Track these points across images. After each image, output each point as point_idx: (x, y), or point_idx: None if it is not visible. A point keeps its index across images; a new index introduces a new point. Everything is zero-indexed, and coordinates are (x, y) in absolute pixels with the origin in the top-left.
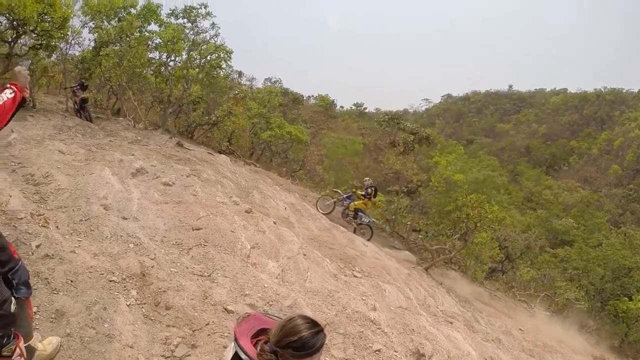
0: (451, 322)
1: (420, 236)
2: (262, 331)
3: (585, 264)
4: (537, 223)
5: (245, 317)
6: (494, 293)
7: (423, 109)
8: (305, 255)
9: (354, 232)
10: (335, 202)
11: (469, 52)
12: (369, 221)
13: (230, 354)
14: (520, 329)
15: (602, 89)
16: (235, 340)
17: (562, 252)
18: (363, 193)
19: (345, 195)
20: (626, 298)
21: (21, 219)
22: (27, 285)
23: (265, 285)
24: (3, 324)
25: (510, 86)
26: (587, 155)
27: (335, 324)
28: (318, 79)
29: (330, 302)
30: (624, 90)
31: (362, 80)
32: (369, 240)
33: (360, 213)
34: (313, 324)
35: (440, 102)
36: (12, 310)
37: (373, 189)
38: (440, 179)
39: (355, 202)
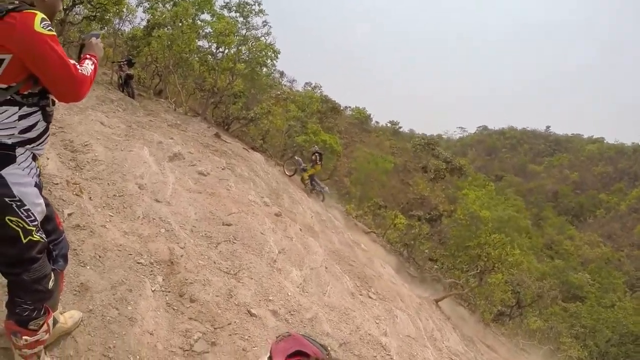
0: None
1: (435, 266)
2: (298, 353)
3: (594, 323)
4: (552, 273)
5: (285, 337)
6: (498, 337)
7: (457, 137)
8: (326, 268)
9: (308, 194)
10: (295, 169)
11: (509, 86)
12: (323, 189)
13: None
14: None
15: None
16: (270, 357)
17: (573, 307)
18: (312, 159)
19: (303, 165)
20: None
21: (57, 184)
22: (65, 258)
23: (289, 294)
24: (38, 298)
25: (548, 127)
26: (615, 210)
27: (350, 344)
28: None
29: (345, 320)
30: None
31: (399, 97)
32: (322, 201)
33: (315, 180)
34: None
35: (475, 132)
36: (49, 287)
37: (318, 154)
38: (465, 212)
39: (308, 171)
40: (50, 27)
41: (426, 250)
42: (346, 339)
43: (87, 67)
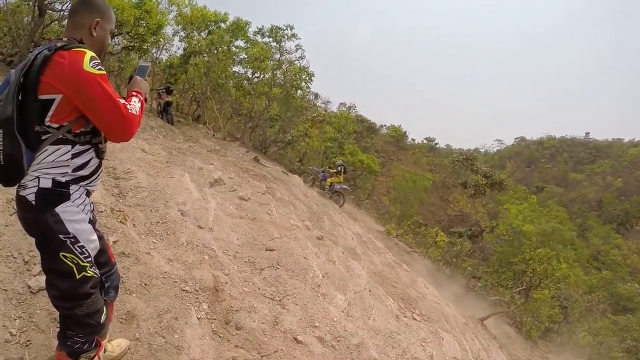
0: None
1: (479, 284)
2: None
3: None
4: (600, 285)
5: None
6: (546, 355)
7: (495, 149)
8: (370, 291)
9: (330, 198)
10: (313, 178)
11: (545, 94)
12: (340, 187)
13: None
14: None
15: None
16: None
17: (624, 320)
18: (335, 170)
19: (320, 170)
20: None
21: (101, 211)
22: (117, 289)
23: (334, 319)
24: (90, 332)
25: (587, 133)
26: None
27: None
28: (389, 105)
29: (391, 344)
30: None
31: (435, 113)
32: (341, 206)
33: (334, 185)
34: None
35: (512, 144)
36: (101, 321)
37: (342, 167)
38: (508, 227)
39: (330, 179)
40: (100, 66)
41: (469, 268)
42: None
43: (135, 105)
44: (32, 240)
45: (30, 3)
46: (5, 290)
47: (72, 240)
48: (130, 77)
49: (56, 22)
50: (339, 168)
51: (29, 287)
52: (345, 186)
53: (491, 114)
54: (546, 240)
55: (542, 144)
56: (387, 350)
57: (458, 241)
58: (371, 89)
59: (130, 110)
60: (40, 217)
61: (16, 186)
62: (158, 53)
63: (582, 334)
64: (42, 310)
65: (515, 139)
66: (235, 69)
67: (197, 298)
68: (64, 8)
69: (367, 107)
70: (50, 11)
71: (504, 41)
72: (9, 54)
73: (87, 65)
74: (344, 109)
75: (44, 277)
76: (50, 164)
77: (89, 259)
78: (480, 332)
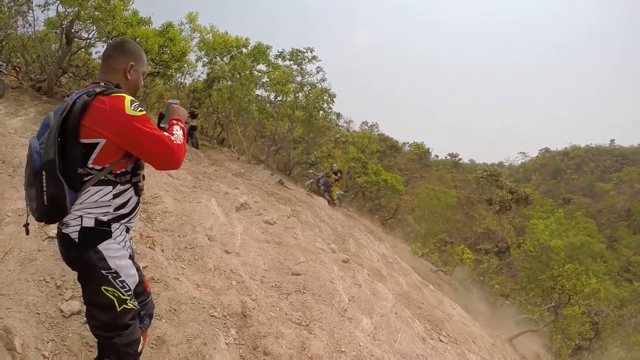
0: None
1: (507, 302)
2: None
3: None
4: (633, 297)
5: None
6: None
7: (519, 162)
8: (396, 313)
9: (328, 203)
10: (312, 183)
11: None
12: (340, 193)
13: None
14: None
15: None
16: None
17: None
18: (336, 177)
19: (319, 176)
20: None
21: (131, 238)
22: (151, 317)
23: (361, 344)
24: None
25: (612, 141)
26: None
27: None
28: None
29: None
30: None
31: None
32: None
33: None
34: None
35: (537, 156)
36: (138, 350)
37: (340, 173)
38: (535, 243)
39: (334, 187)
40: (140, 108)
41: (496, 286)
42: None
43: (178, 134)
44: (65, 265)
45: (58, 31)
46: (38, 313)
47: (114, 275)
48: (161, 115)
49: (82, 49)
50: (339, 175)
51: (62, 310)
52: (343, 192)
53: (512, 127)
54: (575, 254)
55: (567, 155)
56: None
57: (485, 258)
58: (387, 109)
59: (174, 141)
60: (83, 254)
61: (57, 223)
62: (182, 78)
63: (615, 349)
64: (74, 334)
65: (540, 150)
66: (258, 92)
67: (225, 323)
68: (90, 36)
69: (387, 126)
70: (77, 39)
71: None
72: (38, 79)
73: (129, 110)
74: (366, 127)
75: (76, 302)
76: (93, 204)
77: (129, 292)
78: (509, 352)
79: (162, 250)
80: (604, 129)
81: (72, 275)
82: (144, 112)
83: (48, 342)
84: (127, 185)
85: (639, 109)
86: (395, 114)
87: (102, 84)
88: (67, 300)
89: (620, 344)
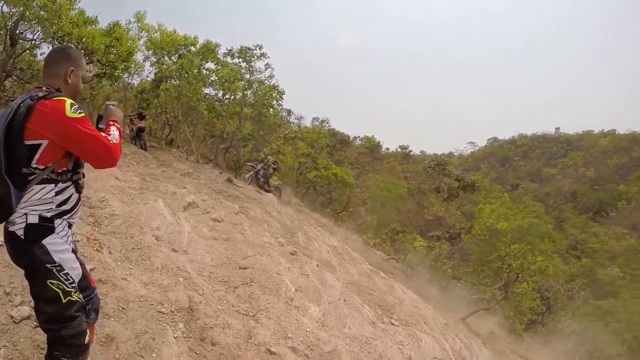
0: None
1: (459, 284)
2: None
3: (630, 316)
4: (581, 273)
5: None
6: (532, 346)
7: (468, 152)
8: (345, 300)
9: (270, 193)
10: (251, 175)
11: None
12: (279, 183)
13: None
14: None
15: None
16: None
17: (606, 304)
18: (274, 167)
19: (258, 168)
20: None
21: (77, 241)
22: (97, 312)
23: (307, 330)
24: (75, 352)
25: (557, 128)
26: (637, 200)
27: None
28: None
29: (367, 350)
30: None
31: (408, 121)
32: (279, 199)
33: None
34: None
35: (485, 145)
36: (85, 341)
37: (277, 163)
38: (483, 227)
39: (272, 179)
40: (79, 111)
41: (449, 270)
42: None
43: (114, 134)
44: (13, 272)
45: (2, 32)
46: None
47: (58, 268)
48: (99, 117)
49: (27, 51)
50: (274, 165)
51: (12, 317)
52: (281, 182)
53: (465, 120)
54: (523, 235)
55: (515, 143)
56: (361, 355)
57: (436, 245)
58: (347, 105)
59: (111, 141)
60: (29, 250)
61: (3, 223)
62: (130, 79)
63: (567, 321)
64: (25, 339)
65: (488, 140)
66: (207, 91)
67: (173, 318)
68: (35, 37)
69: (343, 121)
70: (21, 41)
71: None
72: None
73: (69, 112)
74: (317, 124)
75: (25, 307)
76: (37, 201)
77: (74, 285)
78: (462, 331)
79: (110, 252)
80: (550, 119)
81: (21, 281)
82: (83, 114)
83: (0, 349)
84: (68, 183)
85: (584, 98)
86: (358, 110)
87: (44, 88)
88: (16, 307)
89: (572, 316)
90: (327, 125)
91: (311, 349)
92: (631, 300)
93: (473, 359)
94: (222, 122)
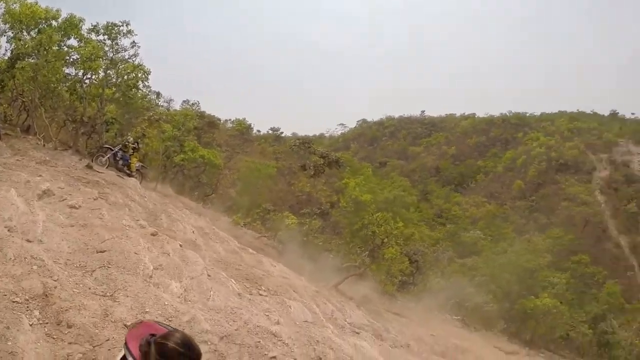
0: (358, 333)
1: (331, 256)
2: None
3: (492, 270)
4: (446, 237)
5: (137, 324)
6: (407, 304)
7: (339, 133)
8: (209, 275)
9: (129, 176)
10: (109, 158)
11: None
12: (139, 165)
13: (120, 356)
14: (432, 335)
15: (507, 114)
16: (125, 343)
17: (470, 262)
18: (134, 147)
19: (115, 149)
20: (532, 297)
21: None
22: None
23: (166, 304)
24: None
25: (423, 111)
26: (493, 173)
27: (232, 336)
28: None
29: (232, 319)
30: (527, 114)
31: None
32: (141, 183)
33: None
34: (189, 346)
35: (355, 126)
36: None
37: (137, 143)
38: (349, 199)
39: (133, 160)
40: None
41: (320, 243)
42: (229, 332)
43: None
44: None
45: None
46: None
47: None
48: None
49: None
50: (135, 145)
51: None
52: (142, 164)
53: (337, 103)
54: (389, 206)
55: (383, 124)
56: (223, 322)
57: (307, 221)
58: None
59: None
60: None
61: None
62: None
63: (436, 280)
64: None
65: (358, 121)
66: (68, 71)
67: (27, 307)
68: None
69: (223, 104)
70: None
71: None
72: None
73: None
74: (186, 106)
75: None
76: None
77: None
78: (335, 297)
79: None
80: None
81: None
82: None
83: None
84: None
85: (447, 83)
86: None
87: None
88: None
89: (441, 274)
90: (197, 107)
91: (169, 320)
92: (492, 256)
93: (346, 319)
94: (83, 105)
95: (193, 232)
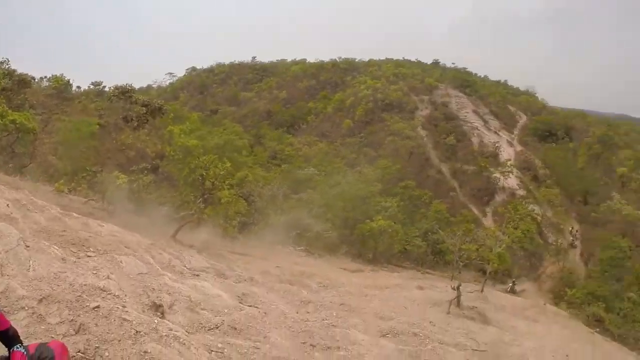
0: (198, 275)
1: (166, 208)
2: None
3: (328, 201)
4: (281, 176)
5: None
6: (250, 242)
7: (167, 83)
8: (28, 246)
9: None
10: None
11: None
12: None
13: None
14: (277, 266)
15: (337, 59)
16: None
17: (306, 196)
18: None
19: None
20: (368, 220)
21: None
22: None
23: None
24: None
25: (254, 57)
26: (323, 114)
27: (52, 296)
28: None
29: (56, 283)
30: (356, 60)
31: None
32: None
33: None
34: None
35: (184, 75)
36: None
37: None
38: (176, 147)
39: None
40: None
41: (155, 198)
42: (49, 294)
43: None
44: None
45: None
46: None
47: None
48: None
49: None
50: None
51: None
52: None
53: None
54: (220, 151)
55: (213, 71)
56: (42, 286)
57: (137, 177)
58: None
59: None
60: None
61: None
62: None
63: (275, 217)
64: None
65: (187, 70)
66: None
67: None
68: None
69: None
70: None
71: None
72: None
73: None
74: None
75: None
76: None
77: None
78: (172, 247)
79: None
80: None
81: None
82: None
83: None
84: None
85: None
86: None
87: None
88: None
89: (281, 211)
90: (6, 66)
91: None
92: (327, 189)
93: (185, 265)
94: None
95: (8, 205)
